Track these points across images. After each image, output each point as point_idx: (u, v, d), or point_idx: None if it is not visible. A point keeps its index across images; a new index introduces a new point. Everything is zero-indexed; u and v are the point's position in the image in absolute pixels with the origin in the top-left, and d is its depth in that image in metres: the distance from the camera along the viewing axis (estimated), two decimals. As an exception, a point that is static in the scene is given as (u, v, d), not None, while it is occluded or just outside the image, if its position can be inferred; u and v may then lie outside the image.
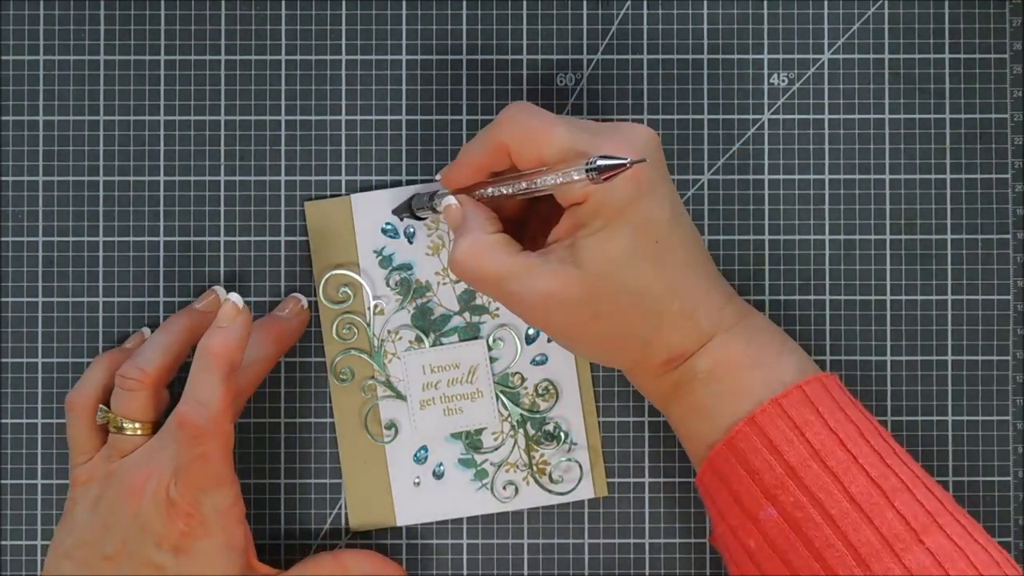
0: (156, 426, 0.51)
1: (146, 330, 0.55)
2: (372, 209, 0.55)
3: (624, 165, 0.43)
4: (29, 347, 0.56)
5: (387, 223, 0.56)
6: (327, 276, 0.55)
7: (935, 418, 0.56)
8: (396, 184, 0.56)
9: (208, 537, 0.48)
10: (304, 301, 0.55)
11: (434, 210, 0.52)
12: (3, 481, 0.56)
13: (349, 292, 0.55)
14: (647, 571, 0.56)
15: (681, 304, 0.47)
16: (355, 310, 0.56)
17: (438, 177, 0.52)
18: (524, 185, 0.47)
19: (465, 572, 0.56)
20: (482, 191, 0.49)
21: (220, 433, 0.48)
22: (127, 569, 0.48)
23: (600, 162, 0.43)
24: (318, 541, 0.56)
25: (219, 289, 0.55)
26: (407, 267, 0.56)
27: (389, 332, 0.56)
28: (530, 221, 0.52)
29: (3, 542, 0.56)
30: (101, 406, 0.51)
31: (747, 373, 0.48)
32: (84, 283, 0.56)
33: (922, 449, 0.56)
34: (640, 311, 0.47)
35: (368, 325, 0.55)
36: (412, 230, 0.55)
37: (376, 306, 0.55)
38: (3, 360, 0.56)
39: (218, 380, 0.47)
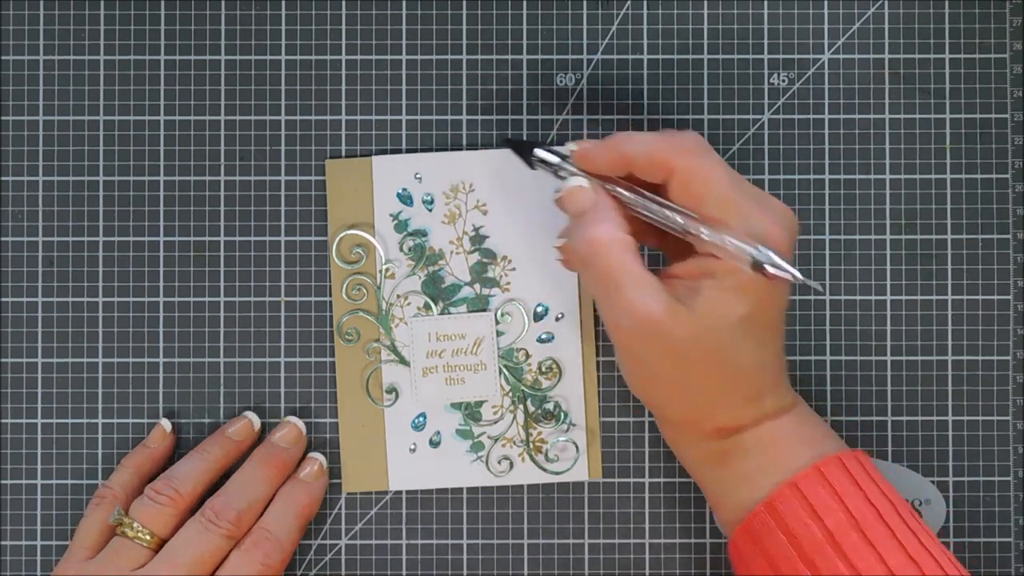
0: (163, 542, 0.52)
1: (164, 422, 0.55)
2: (392, 172, 0.55)
3: (790, 277, 0.45)
4: (29, 347, 0.56)
5: (403, 188, 0.55)
6: (341, 235, 0.55)
7: (935, 418, 0.56)
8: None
9: None
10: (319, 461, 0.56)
11: (556, 175, 0.50)
12: (3, 481, 0.56)
13: (362, 253, 0.55)
14: (647, 571, 0.56)
15: (757, 386, 0.49)
16: (366, 271, 0.55)
17: (573, 147, 0.49)
18: (682, 223, 0.47)
19: (465, 573, 0.56)
20: (630, 196, 0.49)
21: None
22: None
23: (771, 266, 0.45)
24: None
25: (251, 415, 0.55)
26: (422, 233, 0.56)
27: (398, 296, 0.56)
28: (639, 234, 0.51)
29: (3, 542, 0.56)
30: (118, 507, 0.52)
31: (795, 448, 0.49)
32: (84, 283, 0.56)
33: (922, 449, 0.56)
34: (723, 378, 0.48)
35: (378, 288, 0.55)
36: (430, 197, 0.55)
37: (387, 269, 0.55)
38: (3, 360, 0.56)
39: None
